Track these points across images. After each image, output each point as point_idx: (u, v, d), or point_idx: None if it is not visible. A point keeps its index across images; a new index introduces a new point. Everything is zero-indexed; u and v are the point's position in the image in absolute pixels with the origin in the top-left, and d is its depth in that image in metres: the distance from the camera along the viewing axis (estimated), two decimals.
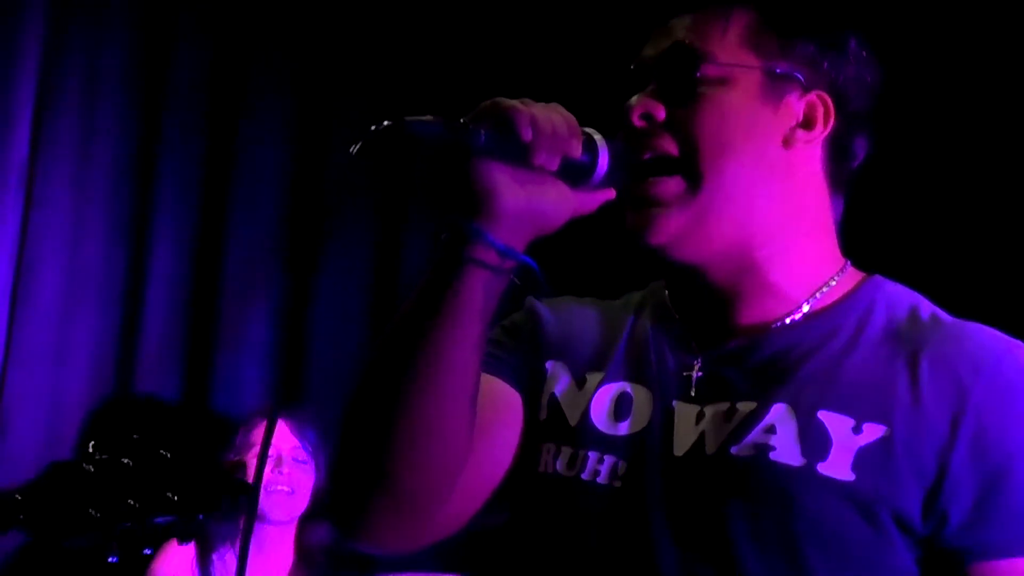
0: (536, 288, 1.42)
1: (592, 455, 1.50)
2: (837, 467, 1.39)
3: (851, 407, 1.42)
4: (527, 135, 1.35)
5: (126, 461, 1.62)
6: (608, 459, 1.49)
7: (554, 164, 1.38)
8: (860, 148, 1.56)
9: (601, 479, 1.48)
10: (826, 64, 1.51)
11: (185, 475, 1.63)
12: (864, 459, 1.39)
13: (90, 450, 1.64)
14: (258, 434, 3.59)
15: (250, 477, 3.52)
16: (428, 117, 1.34)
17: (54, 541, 1.63)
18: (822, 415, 1.42)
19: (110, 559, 1.66)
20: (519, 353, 1.59)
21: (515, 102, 1.36)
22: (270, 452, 3.48)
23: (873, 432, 1.40)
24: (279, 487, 3.52)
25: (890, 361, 1.44)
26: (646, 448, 1.48)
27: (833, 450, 1.40)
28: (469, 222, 1.35)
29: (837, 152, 1.54)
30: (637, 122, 1.49)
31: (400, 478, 1.40)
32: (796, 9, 1.53)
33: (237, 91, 4.04)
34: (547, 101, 1.41)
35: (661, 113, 1.49)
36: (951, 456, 1.38)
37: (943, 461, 1.38)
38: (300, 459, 3.57)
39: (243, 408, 3.84)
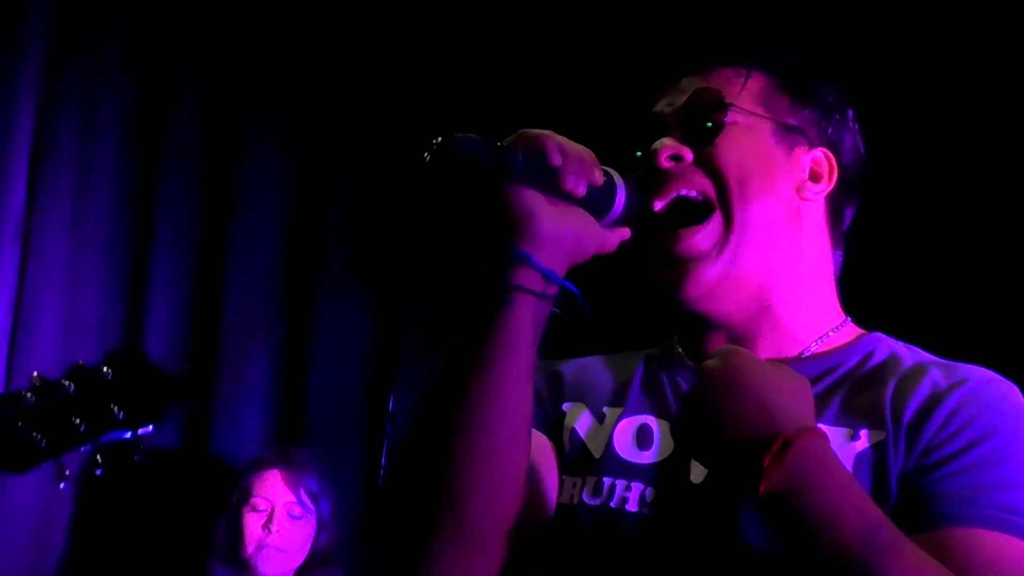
0: (578, 315, 1.46)
1: (620, 483, 1.54)
2: None
3: (847, 421, 1.50)
4: (556, 160, 1.43)
5: (67, 383, 1.60)
6: (635, 487, 1.53)
7: (581, 190, 1.45)
8: (849, 213, 1.68)
9: (630, 507, 1.52)
10: (829, 128, 1.64)
11: (129, 390, 1.61)
12: (861, 463, 1.46)
13: (33, 380, 1.62)
14: (258, 485, 3.58)
15: (244, 531, 3.51)
16: (472, 135, 1.40)
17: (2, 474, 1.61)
18: (820, 427, 1.45)
19: (61, 486, 1.63)
20: (544, 406, 1.64)
21: (542, 131, 1.45)
22: (263, 507, 3.50)
23: (868, 438, 1.48)
24: (269, 545, 3.53)
25: (886, 383, 1.53)
26: (669, 476, 1.53)
27: None
28: (511, 246, 1.42)
29: (835, 211, 1.65)
30: (665, 163, 1.57)
31: (463, 503, 1.43)
32: (807, 79, 1.65)
33: (234, 139, 4.07)
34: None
35: (689, 155, 1.57)
36: (934, 412, 1.47)
37: (925, 416, 1.47)
38: (295, 514, 3.57)
39: (243, 455, 3.82)
